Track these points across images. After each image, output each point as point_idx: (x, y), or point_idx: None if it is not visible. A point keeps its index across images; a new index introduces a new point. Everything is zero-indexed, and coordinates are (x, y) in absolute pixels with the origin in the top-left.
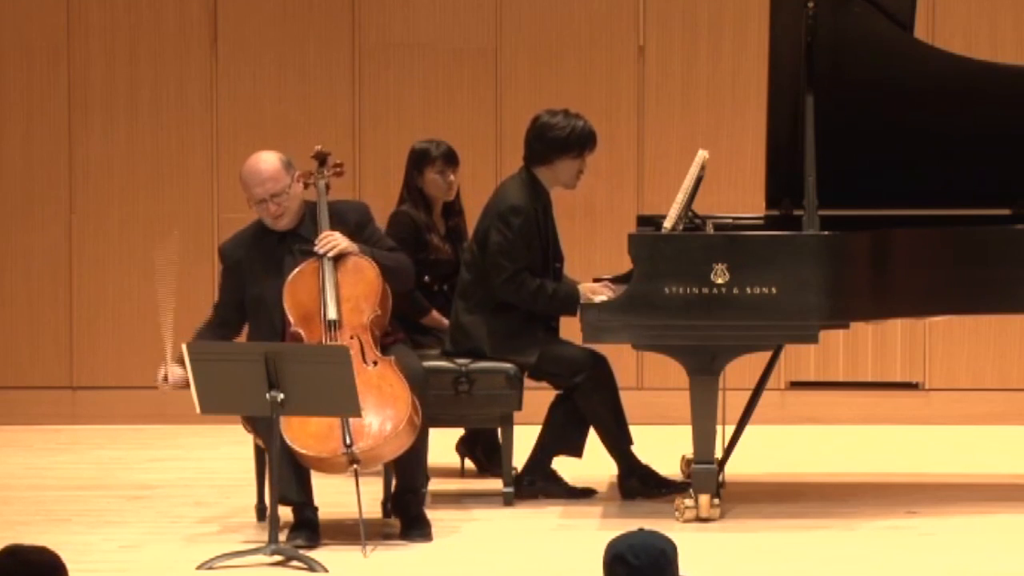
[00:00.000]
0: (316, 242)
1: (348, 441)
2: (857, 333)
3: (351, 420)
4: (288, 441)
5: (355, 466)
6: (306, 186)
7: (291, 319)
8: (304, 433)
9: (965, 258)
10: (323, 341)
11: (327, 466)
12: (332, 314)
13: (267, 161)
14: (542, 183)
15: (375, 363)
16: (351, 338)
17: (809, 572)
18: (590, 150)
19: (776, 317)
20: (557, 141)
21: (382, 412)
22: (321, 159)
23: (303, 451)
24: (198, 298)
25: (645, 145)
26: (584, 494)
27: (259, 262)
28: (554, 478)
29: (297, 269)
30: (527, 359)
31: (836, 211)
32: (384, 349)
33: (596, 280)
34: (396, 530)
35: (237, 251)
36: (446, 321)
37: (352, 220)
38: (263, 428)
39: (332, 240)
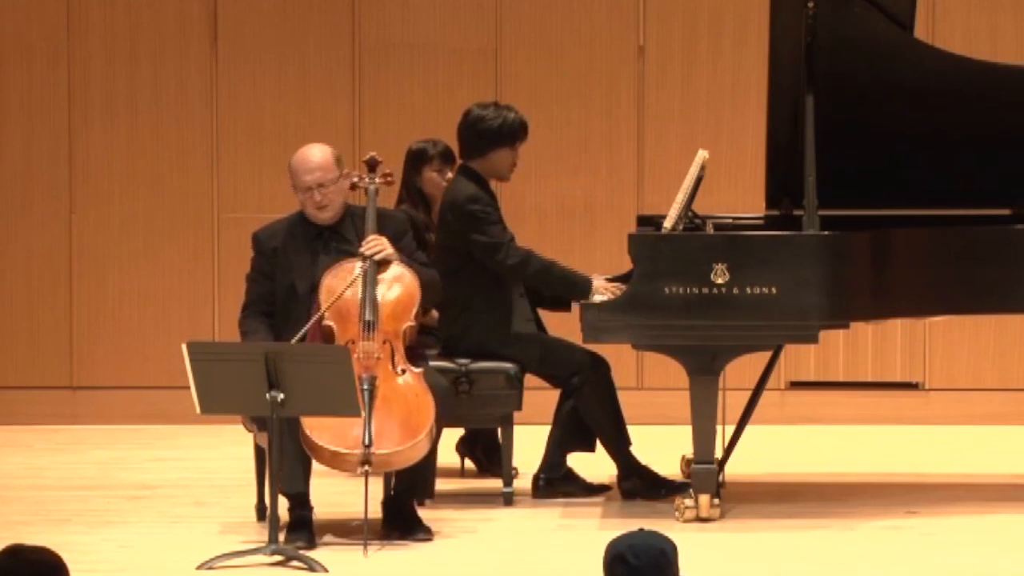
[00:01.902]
0: (363, 243)
1: (367, 441)
2: (857, 333)
3: (374, 422)
4: (307, 431)
5: (366, 467)
6: (353, 188)
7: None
8: (323, 424)
9: (965, 258)
10: (358, 340)
11: (339, 461)
12: (370, 315)
13: (319, 151)
14: (482, 176)
15: (403, 371)
16: (384, 343)
17: (809, 572)
18: (522, 140)
19: (776, 317)
20: (490, 132)
21: (406, 422)
22: (372, 165)
23: (320, 442)
24: (198, 297)
25: (645, 145)
26: (602, 490)
27: (294, 253)
28: (571, 476)
29: (340, 265)
30: (526, 355)
31: (836, 211)
32: (413, 360)
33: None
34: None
35: (273, 239)
36: (437, 316)
37: (391, 229)
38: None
39: (380, 244)
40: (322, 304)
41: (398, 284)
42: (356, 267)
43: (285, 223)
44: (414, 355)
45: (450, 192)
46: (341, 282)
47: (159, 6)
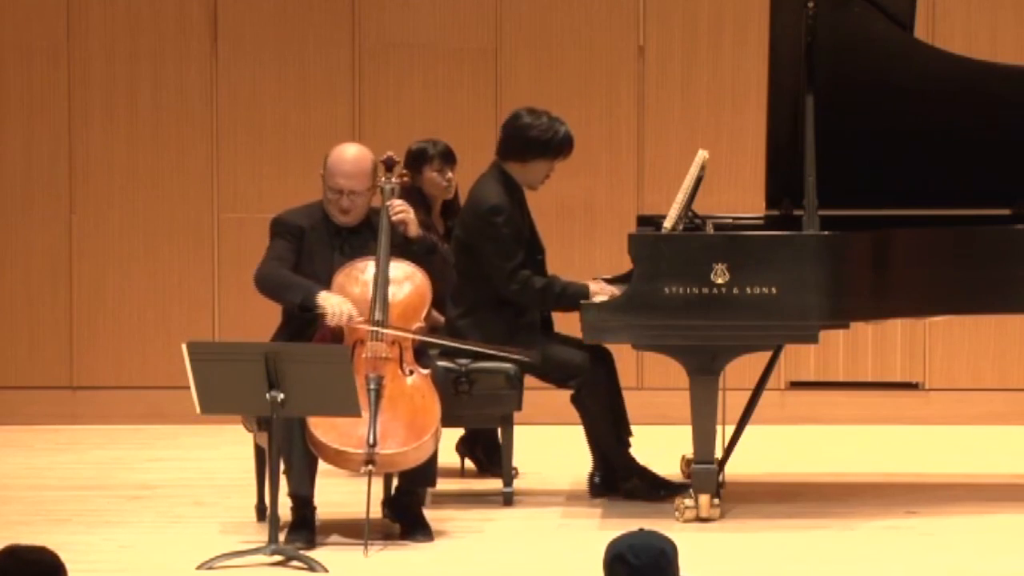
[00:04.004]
0: (390, 208)
1: (372, 441)
2: (857, 333)
3: (379, 422)
4: (311, 428)
5: (370, 467)
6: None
7: None
8: (329, 423)
9: (965, 258)
10: (367, 340)
11: (343, 460)
12: (380, 315)
13: (361, 158)
14: (514, 178)
15: (412, 373)
16: (392, 343)
17: (809, 572)
18: (564, 156)
19: (776, 317)
20: (539, 142)
21: (412, 423)
22: (389, 165)
23: (324, 440)
24: (198, 297)
25: (645, 145)
26: (673, 489)
27: (314, 242)
28: (640, 472)
29: (352, 263)
30: (526, 361)
31: (836, 211)
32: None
33: (594, 280)
34: (397, 530)
35: (300, 220)
36: (443, 320)
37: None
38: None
39: (404, 209)
40: None
41: (409, 284)
42: (368, 266)
43: (313, 211)
44: (421, 356)
45: (478, 191)
46: (352, 281)
47: (159, 6)
